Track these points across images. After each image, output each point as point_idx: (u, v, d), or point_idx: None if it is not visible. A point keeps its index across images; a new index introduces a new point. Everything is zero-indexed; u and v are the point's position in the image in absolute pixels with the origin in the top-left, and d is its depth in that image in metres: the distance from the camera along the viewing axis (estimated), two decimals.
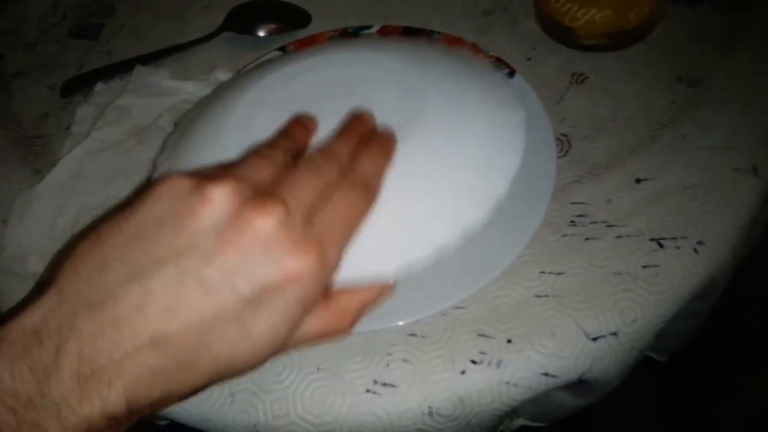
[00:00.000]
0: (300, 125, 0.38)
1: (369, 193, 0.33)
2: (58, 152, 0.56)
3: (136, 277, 0.26)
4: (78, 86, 0.61)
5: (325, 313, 0.31)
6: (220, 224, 0.27)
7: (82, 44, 0.67)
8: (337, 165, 0.32)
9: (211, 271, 0.27)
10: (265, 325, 0.28)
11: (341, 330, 0.33)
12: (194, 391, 0.28)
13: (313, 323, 0.31)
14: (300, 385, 0.40)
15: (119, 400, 0.25)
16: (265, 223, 0.27)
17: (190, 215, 0.27)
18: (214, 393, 0.40)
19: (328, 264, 0.29)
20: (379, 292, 0.34)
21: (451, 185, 0.37)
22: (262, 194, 0.28)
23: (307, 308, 0.29)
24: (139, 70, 0.59)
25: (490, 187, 0.37)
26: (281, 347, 0.30)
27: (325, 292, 0.31)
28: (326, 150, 0.33)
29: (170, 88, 0.57)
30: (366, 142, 0.35)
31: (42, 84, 0.63)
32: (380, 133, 0.37)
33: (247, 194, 0.28)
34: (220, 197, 0.27)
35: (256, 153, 0.33)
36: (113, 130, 0.55)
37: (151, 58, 0.61)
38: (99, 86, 0.59)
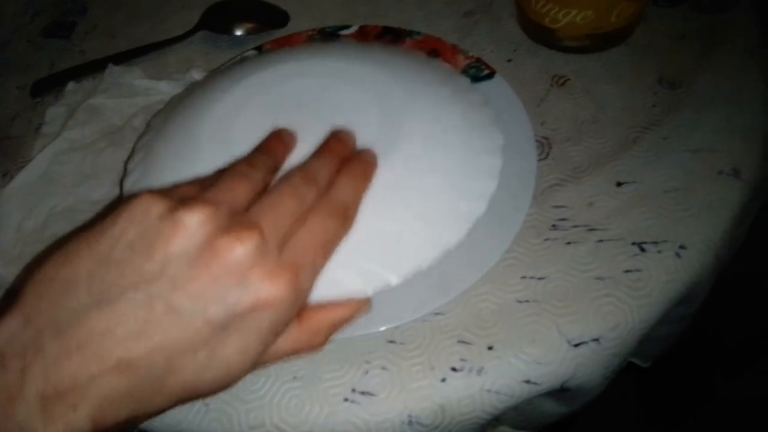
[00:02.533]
0: (279, 141, 0.37)
1: (346, 218, 0.33)
2: (28, 154, 0.54)
3: (103, 301, 0.26)
4: (49, 86, 0.59)
5: (297, 331, 0.31)
6: (193, 251, 0.27)
7: (54, 43, 0.65)
8: (316, 188, 0.32)
9: (180, 297, 0.26)
10: (235, 349, 0.28)
11: (313, 347, 0.32)
12: (162, 411, 0.28)
13: (285, 342, 0.31)
14: (276, 394, 0.38)
15: (85, 423, 0.25)
16: (239, 251, 0.27)
17: (162, 241, 0.27)
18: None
19: (301, 290, 0.29)
20: (353, 309, 0.34)
21: (429, 208, 0.38)
22: (237, 221, 0.28)
23: (278, 332, 0.29)
24: (112, 70, 0.57)
25: (468, 209, 0.38)
26: (251, 369, 0.29)
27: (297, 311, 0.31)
28: (305, 172, 0.33)
29: (144, 88, 0.56)
30: (345, 165, 0.35)
31: (12, 84, 0.62)
32: (360, 155, 0.37)
33: (221, 221, 0.28)
34: (194, 224, 0.27)
35: (233, 171, 0.32)
36: (84, 131, 0.54)
37: (124, 57, 0.59)
38: (70, 86, 0.58)
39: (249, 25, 0.60)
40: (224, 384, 0.29)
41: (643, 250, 0.41)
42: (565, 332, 0.39)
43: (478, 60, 0.50)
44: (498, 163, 0.40)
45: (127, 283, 0.26)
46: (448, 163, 0.39)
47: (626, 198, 0.44)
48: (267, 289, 0.27)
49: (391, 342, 0.39)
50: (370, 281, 0.35)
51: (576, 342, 0.38)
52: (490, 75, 0.49)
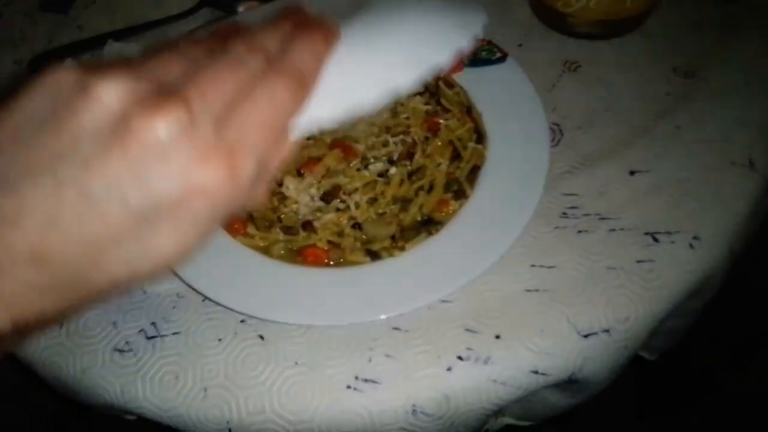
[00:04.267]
0: (233, 26, 0.31)
1: (301, 87, 0.27)
2: None
3: (8, 186, 0.23)
4: (47, 62, 0.58)
5: None
6: (106, 127, 0.23)
7: (51, 18, 0.63)
8: (263, 56, 0.27)
9: (94, 181, 0.23)
10: (170, 241, 0.25)
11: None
12: (102, 298, 0.25)
13: None
14: (276, 380, 0.37)
15: (1, 320, 0.23)
16: (160, 127, 0.23)
17: (71, 115, 0.23)
18: (185, 387, 0.38)
19: (241, 176, 0.25)
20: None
21: (386, 56, 0.31)
22: (161, 93, 0.24)
23: (218, 222, 0.26)
24: (111, 45, 0.56)
25: (426, 56, 0.30)
26: (194, 252, 0.26)
27: None
28: (250, 39, 0.28)
29: None
30: (302, 30, 0.29)
31: (8, 58, 0.60)
32: (320, 23, 0.30)
33: (141, 93, 0.23)
34: (107, 95, 0.23)
35: (170, 49, 0.27)
36: None
37: (124, 34, 0.58)
38: (68, 62, 0.56)
39: (253, 2, 0.58)
40: (166, 269, 0.26)
41: (656, 240, 0.40)
42: (575, 322, 0.38)
43: (490, 42, 0.49)
44: (474, 26, 0.34)
45: (32, 164, 0.23)
46: (415, 24, 0.34)
47: (639, 187, 0.43)
48: (197, 173, 0.23)
49: (396, 329, 0.38)
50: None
51: (586, 333, 0.37)
52: (502, 58, 0.48)
